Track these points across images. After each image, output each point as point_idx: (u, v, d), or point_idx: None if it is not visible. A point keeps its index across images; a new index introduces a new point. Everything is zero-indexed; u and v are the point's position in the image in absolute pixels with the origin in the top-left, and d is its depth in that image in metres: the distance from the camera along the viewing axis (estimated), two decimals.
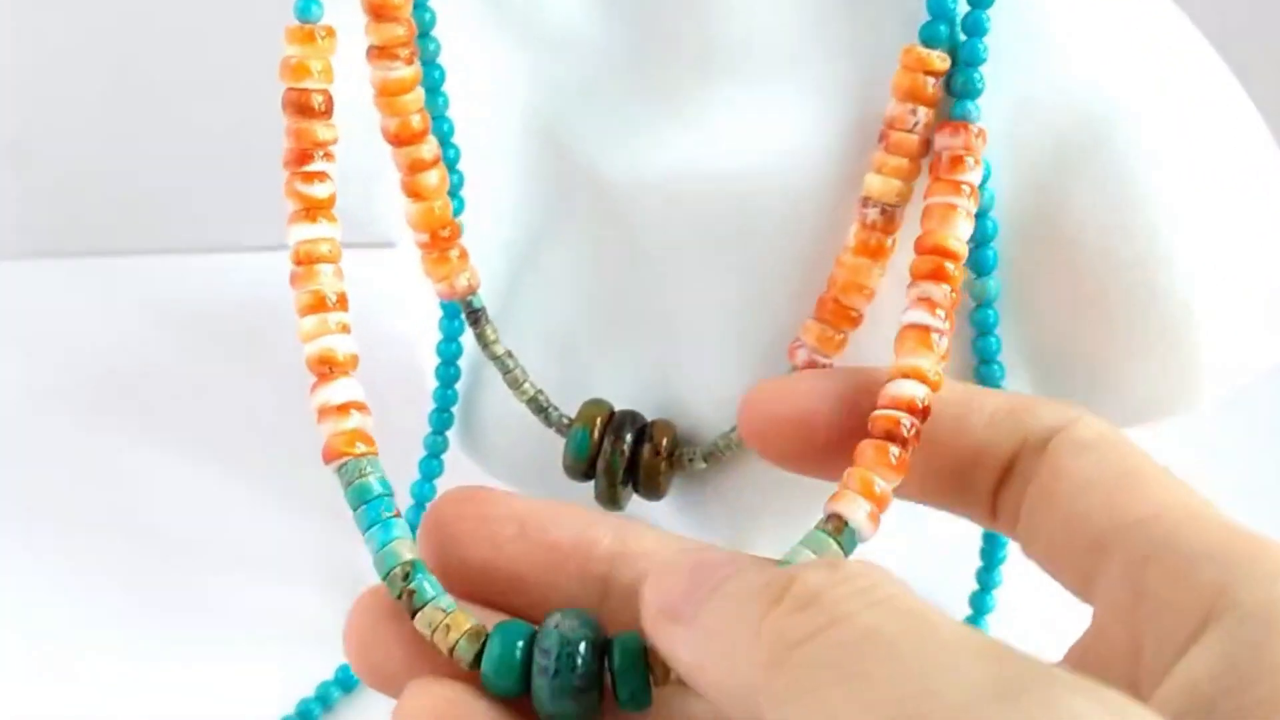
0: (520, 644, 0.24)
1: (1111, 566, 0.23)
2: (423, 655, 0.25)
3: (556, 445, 0.35)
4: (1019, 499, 0.26)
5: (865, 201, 0.30)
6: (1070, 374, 0.33)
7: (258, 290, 0.53)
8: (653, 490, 0.34)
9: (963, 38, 0.29)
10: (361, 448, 0.26)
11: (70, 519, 0.44)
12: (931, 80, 0.29)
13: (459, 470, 0.38)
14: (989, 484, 0.26)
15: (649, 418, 0.34)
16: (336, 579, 0.42)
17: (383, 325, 0.46)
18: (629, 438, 0.34)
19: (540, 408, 0.34)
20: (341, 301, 0.27)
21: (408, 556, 0.25)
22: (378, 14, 0.29)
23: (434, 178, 0.31)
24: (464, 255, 0.32)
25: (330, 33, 0.28)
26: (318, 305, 0.27)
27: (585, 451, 0.34)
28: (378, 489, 0.26)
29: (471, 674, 0.24)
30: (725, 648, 0.21)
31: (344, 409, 0.26)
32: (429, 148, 0.31)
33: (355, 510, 0.26)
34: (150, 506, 0.45)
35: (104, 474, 0.46)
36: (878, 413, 0.28)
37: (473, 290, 0.33)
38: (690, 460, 0.34)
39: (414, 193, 0.31)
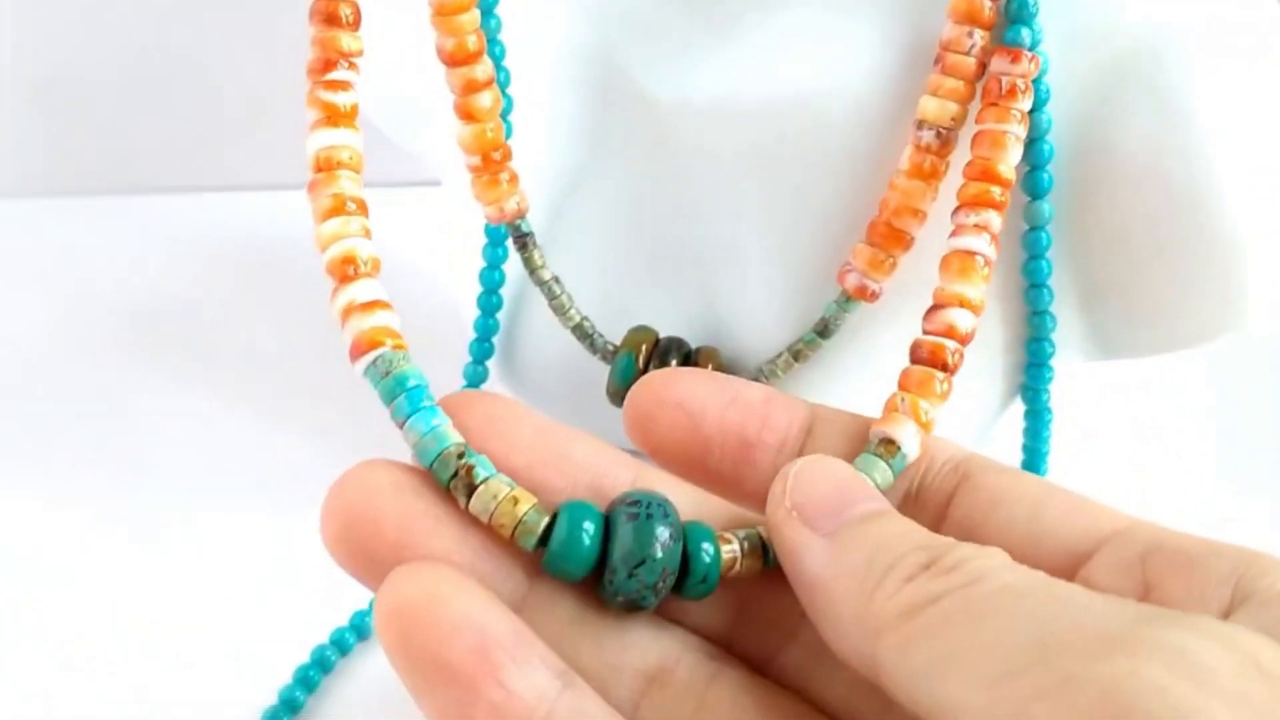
0: (590, 523, 0.23)
1: (1097, 569, 0.23)
2: (419, 539, 0.23)
3: (598, 375, 0.35)
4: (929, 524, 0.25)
5: (919, 124, 0.30)
6: (1117, 297, 0.33)
7: (279, 229, 0.53)
8: None
9: None
10: (391, 342, 0.24)
11: (90, 454, 0.43)
12: (988, 3, 0.29)
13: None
14: None
15: (694, 345, 0.34)
16: None
17: (422, 263, 0.46)
18: (674, 364, 0.34)
19: (585, 334, 0.34)
20: (362, 208, 0.26)
21: (458, 438, 0.23)
22: None
23: (487, 99, 0.30)
24: (514, 179, 0.32)
25: None
26: (338, 208, 0.26)
27: (630, 378, 0.34)
28: (414, 379, 0.24)
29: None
30: (857, 580, 0.22)
31: (369, 306, 0.25)
32: (483, 69, 0.30)
33: (392, 401, 0.24)
34: (170, 441, 0.44)
35: (125, 410, 0.45)
36: (923, 338, 0.28)
37: (522, 214, 0.32)
38: None
39: (467, 114, 0.30)
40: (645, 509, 0.23)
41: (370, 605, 0.38)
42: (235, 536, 0.41)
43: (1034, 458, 0.36)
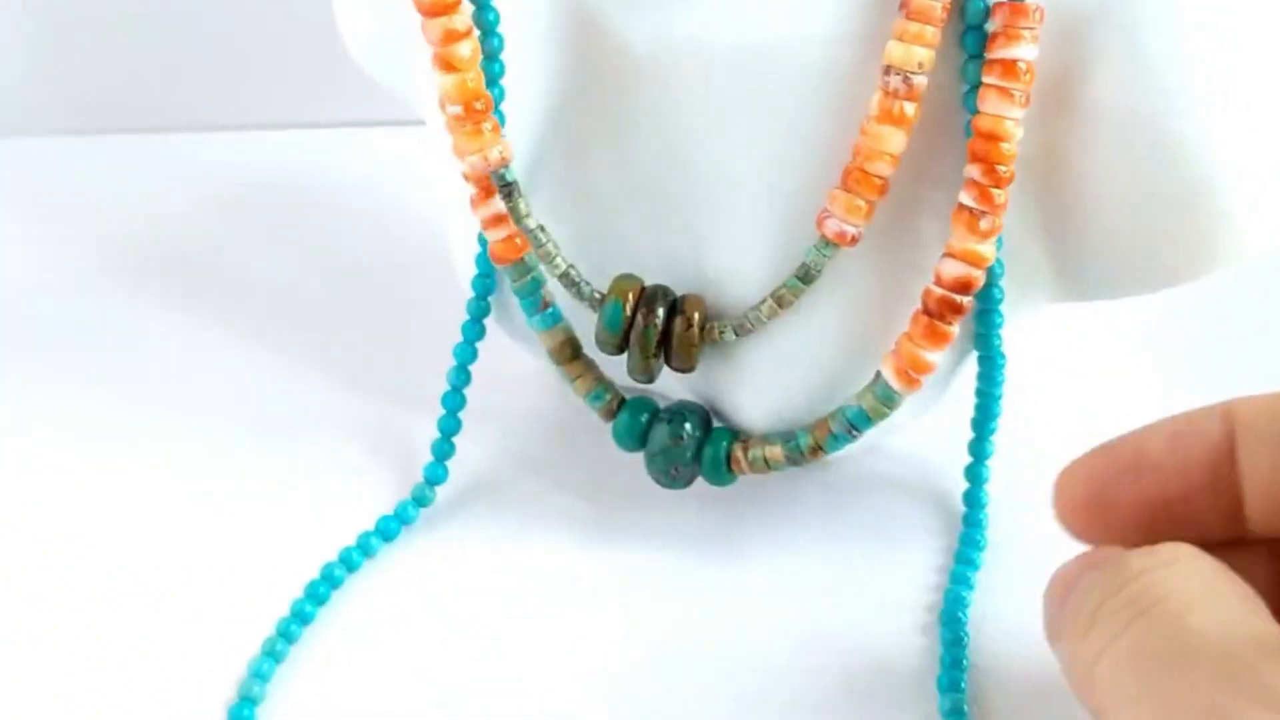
0: (645, 415, 0.36)
1: None
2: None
3: (590, 321, 0.35)
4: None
5: (887, 70, 0.31)
6: (1088, 238, 0.33)
7: (295, 166, 0.55)
8: (685, 363, 0.35)
9: None
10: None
11: (113, 384, 0.45)
12: None
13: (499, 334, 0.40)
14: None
15: (679, 292, 0.35)
16: (369, 438, 0.43)
17: (425, 210, 0.47)
18: (661, 311, 0.34)
19: (572, 282, 0.35)
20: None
21: (562, 338, 0.36)
22: None
23: (466, 49, 0.31)
24: (496, 128, 0.33)
25: None
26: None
27: (618, 325, 0.34)
28: (535, 285, 0.35)
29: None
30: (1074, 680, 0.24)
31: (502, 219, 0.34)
32: (461, 19, 0.31)
33: (522, 301, 0.36)
34: (189, 373, 0.46)
35: (145, 342, 0.47)
36: (931, 288, 0.31)
37: (505, 163, 0.33)
38: (721, 333, 0.35)
39: (446, 65, 0.31)
40: (674, 415, 0.36)
41: (376, 526, 0.39)
42: (261, 454, 0.43)
43: (987, 401, 0.36)
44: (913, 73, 0.30)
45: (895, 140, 0.31)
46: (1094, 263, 0.33)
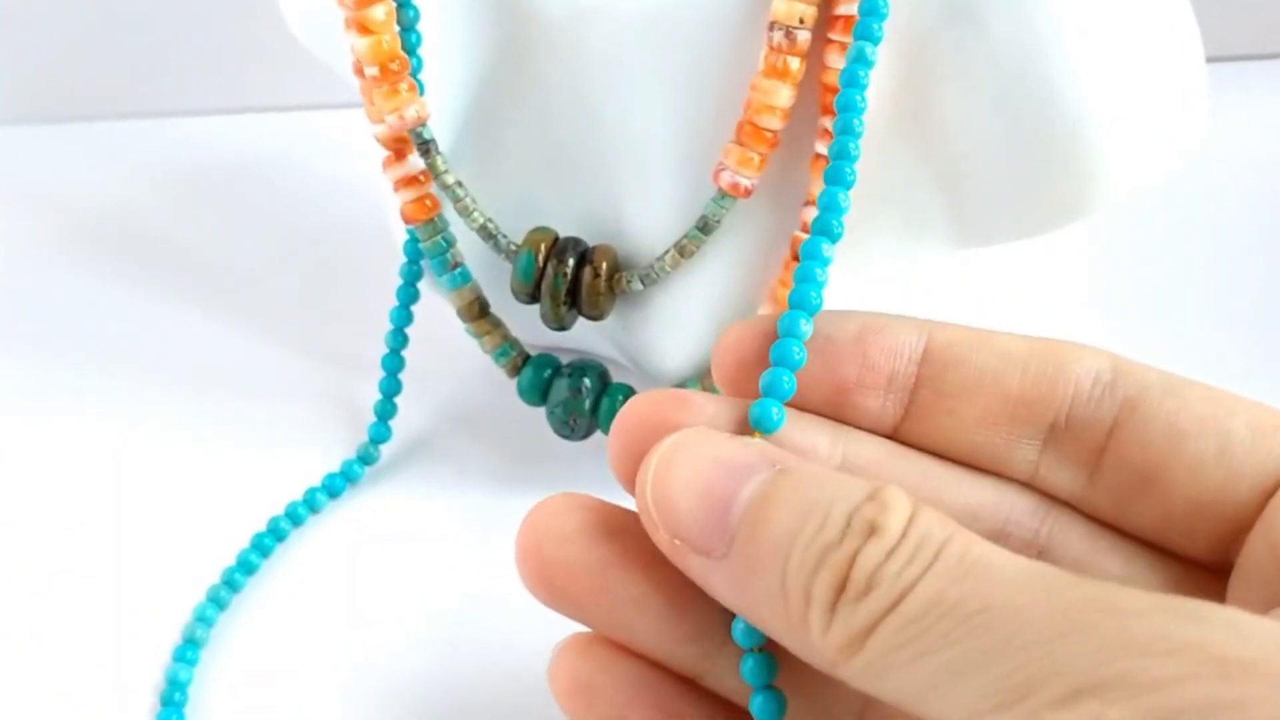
0: (548, 371, 0.38)
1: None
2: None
3: (508, 273, 0.37)
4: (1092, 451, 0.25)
5: (771, 26, 0.32)
6: (972, 185, 0.34)
7: (241, 148, 0.58)
8: (594, 311, 0.36)
9: None
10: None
11: (70, 352, 0.48)
12: None
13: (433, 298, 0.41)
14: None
15: (591, 243, 0.37)
16: (324, 400, 0.45)
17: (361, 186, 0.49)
18: (571, 261, 0.36)
19: (489, 235, 0.37)
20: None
21: (470, 298, 0.38)
22: None
23: (380, 12, 0.33)
24: (413, 88, 0.34)
25: None
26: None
27: (530, 275, 0.36)
28: (444, 245, 0.37)
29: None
30: (780, 611, 0.21)
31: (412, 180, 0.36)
32: None
33: (431, 260, 0.37)
34: (146, 342, 0.48)
35: (104, 316, 0.50)
36: (798, 234, 0.33)
37: (421, 121, 0.35)
38: (629, 282, 0.36)
39: (362, 28, 0.33)
40: (575, 370, 0.38)
41: (322, 483, 0.41)
42: (219, 414, 0.45)
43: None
44: (795, 27, 0.32)
45: (782, 94, 0.33)
46: (982, 210, 0.34)
